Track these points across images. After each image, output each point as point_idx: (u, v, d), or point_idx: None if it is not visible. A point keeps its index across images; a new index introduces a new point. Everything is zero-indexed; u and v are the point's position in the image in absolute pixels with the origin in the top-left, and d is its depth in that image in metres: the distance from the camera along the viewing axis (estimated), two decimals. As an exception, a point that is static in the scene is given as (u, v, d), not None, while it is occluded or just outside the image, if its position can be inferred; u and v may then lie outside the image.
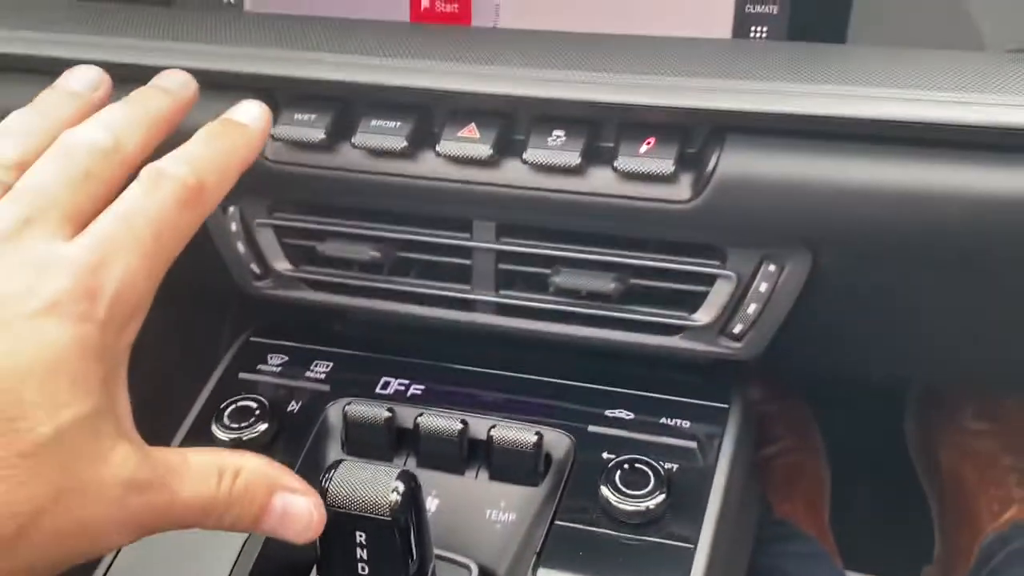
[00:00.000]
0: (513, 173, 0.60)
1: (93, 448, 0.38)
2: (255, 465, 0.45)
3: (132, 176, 0.45)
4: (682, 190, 0.57)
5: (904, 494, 1.37)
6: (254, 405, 0.66)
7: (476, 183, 0.61)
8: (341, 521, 0.51)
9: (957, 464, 1.29)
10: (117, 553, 0.60)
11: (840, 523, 1.32)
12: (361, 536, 0.51)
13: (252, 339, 0.74)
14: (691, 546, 0.57)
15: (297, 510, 0.47)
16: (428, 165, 0.61)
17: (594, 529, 0.59)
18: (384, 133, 0.60)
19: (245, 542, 0.59)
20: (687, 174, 0.57)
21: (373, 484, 0.50)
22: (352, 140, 0.61)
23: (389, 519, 0.50)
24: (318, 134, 0.61)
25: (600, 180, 0.58)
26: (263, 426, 0.65)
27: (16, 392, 0.36)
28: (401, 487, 0.50)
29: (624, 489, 0.59)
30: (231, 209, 0.69)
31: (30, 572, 0.38)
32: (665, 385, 0.68)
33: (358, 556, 0.52)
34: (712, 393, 0.68)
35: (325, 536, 0.52)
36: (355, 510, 0.50)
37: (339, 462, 0.52)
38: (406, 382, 0.70)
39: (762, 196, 0.56)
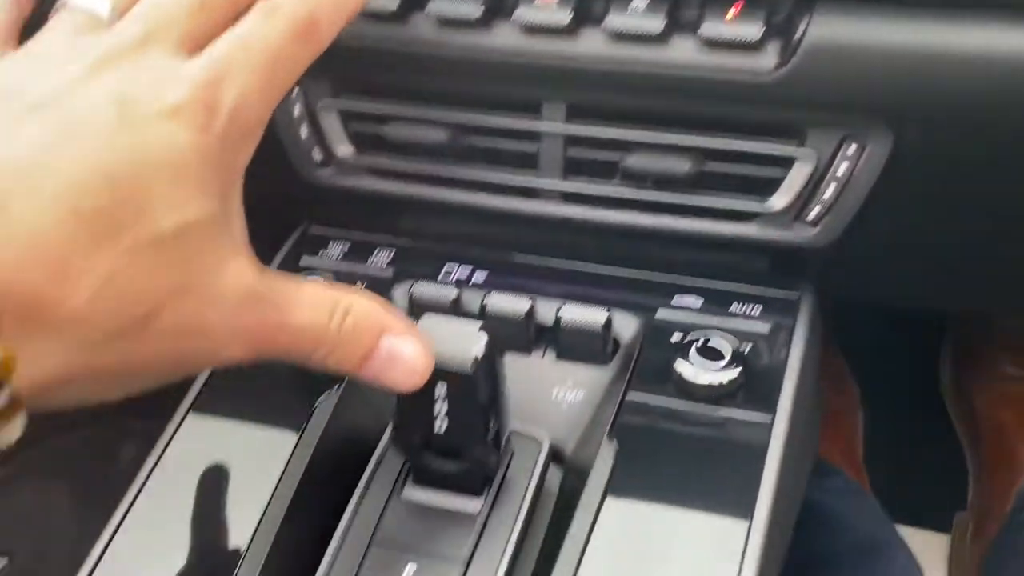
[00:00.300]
0: (591, 44, 0.59)
1: (213, 252, 0.39)
2: (365, 305, 0.45)
3: (246, 10, 0.45)
4: (768, 58, 0.56)
5: (937, 441, 1.37)
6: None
7: (551, 56, 0.60)
8: (421, 374, 0.50)
9: (995, 410, 1.28)
10: (183, 418, 0.60)
11: (873, 471, 1.31)
12: (441, 391, 0.50)
13: (311, 229, 0.74)
14: (768, 418, 0.57)
15: (404, 354, 0.46)
16: (502, 37, 0.60)
17: (667, 403, 0.58)
18: (459, 0, 0.59)
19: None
20: (774, 41, 0.56)
21: (457, 337, 0.50)
22: (425, 9, 0.60)
23: (471, 373, 0.49)
24: (391, 3, 0.60)
25: (682, 50, 0.57)
26: (329, 304, 0.64)
27: (144, 186, 0.36)
28: (485, 341, 0.50)
29: (699, 362, 0.58)
30: (294, 91, 0.68)
31: (157, 363, 0.38)
32: (734, 275, 0.67)
33: (436, 412, 0.51)
34: (782, 283, 0.67)
35: (403, 393, 0.51)
36: (437, 363, 0.49)
37: (421, 315, 0.51)
38: (469, 269, 0.69)
39: (851, 64, 0.55)
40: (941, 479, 1.35)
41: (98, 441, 1.44)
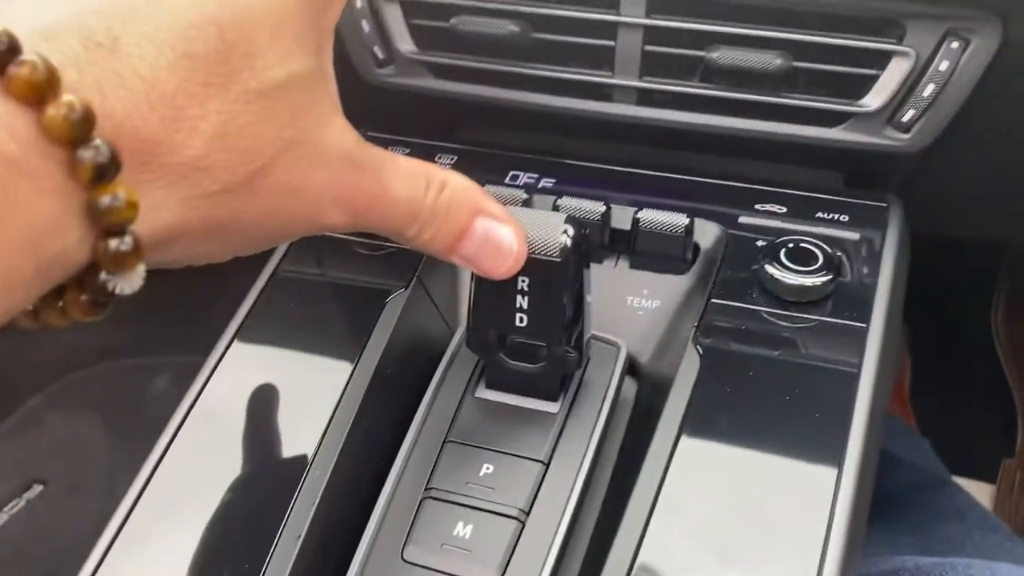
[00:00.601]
0: (681, -75, 0.55)
1: (317, 108, 0.36)
2: (461, 182, 0.42)
3: None
4: (874, -60, 0.52)
5: (986, 386, 1.34)
6: (382, 183, 0.62)
7: (637, -63, 0.56)
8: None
9: (1048, 355, 1.25)
10: (245, 319, 0.57)
11: (920, 414, 1.28)
12: (524, 283, 0.47)
13: (370, 133, 0.70)
14: (863, 325, 0.53)
15: (500, 237, 0.43)
16: (584, -82, 0.56)
17: (754, 310, 0.55)
18: None
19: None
20: (881, -79, 0.52)
21: (542, 226, 0.46)
22: None
23: (559, 260, 0.46)
24: None
25: (780, -70, 0.54)
26: (393, 204, 0.61)
27: (250, 35, 0.34)
28: (572, 230, 0.47)
29: (789, 265, 0.55)
30: (357, -17, 0.65)
31: (267, 222, 0.36)
32: (816, 186, 0.64)
33: (518, 306, 0.48)
34: (868, 194, 0.63)
35: (480, 285, 0.48)
36: None
37: (502, 204, 0.48)
38: (536, 176, 0.66)
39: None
40: (989, 425, 1.32)
41: (121, 375, 1.44)
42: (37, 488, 1.22)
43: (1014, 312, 1.30)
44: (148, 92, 0.31)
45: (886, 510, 0.87)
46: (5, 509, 1.17)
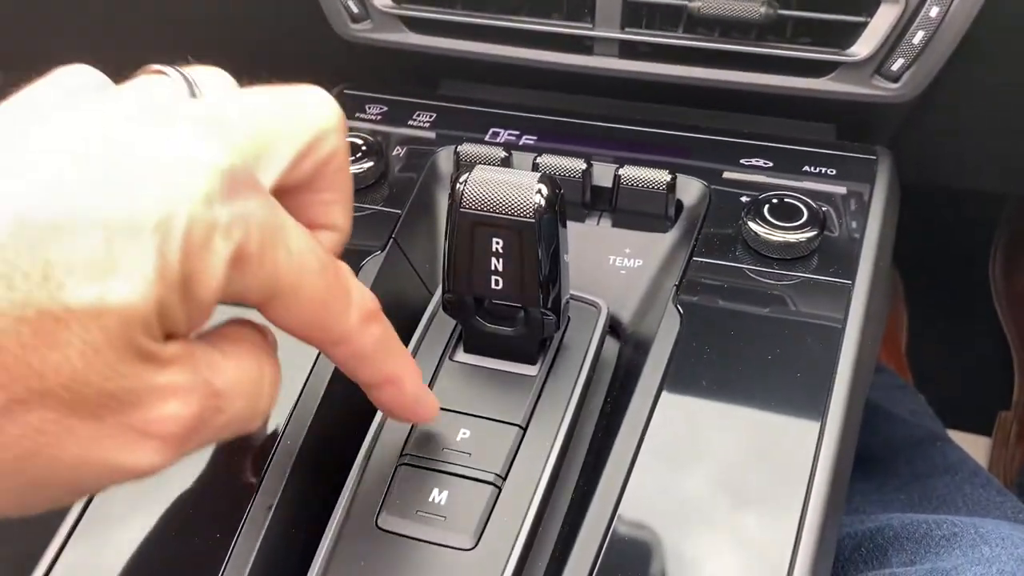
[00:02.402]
0: None
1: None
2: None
3: None
4: None
5: (983, 338, 1.33)
6: (360, 142, 0.61)
7: None
8: (478, 226, 0.45)
9: (1047, 307, 1.24)
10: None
11: (917, 368, 1.28)
12: (498, 244, 0.46)
13: (347, 91, 0.69)
14: (848, 282, 0.52)
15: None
16: None
17: (737, 267, 0.54)
18: None
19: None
20: None
21: (514, 186, 0.45)
22: None
23: (532, 221, 0.45)
24: None
25: None
26: (368, 164, 0.60)
27: None
28: (545, 190, 0.45)
29: (773, 221, 0.53)
30: (328, -65, 0.63)
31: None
32: (804, 139, 0.62)
33: (493, 268, 0.47)
34: (857, 147, 0.61)
35: (455, 248, 0.47)
36: (494, 211, 0.45)
37: (472, 166, 0.47)
38: (517, 133, 0.64)
39: None
40: (985, 378, 1.32)
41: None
42: None
43: (1012, 265, 1.29)
44: None
45: (879, 466, 0.86)
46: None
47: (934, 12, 0.55)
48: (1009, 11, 0.55)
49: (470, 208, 0.45)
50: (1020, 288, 1.27)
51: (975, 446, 1.31)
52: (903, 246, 1.31)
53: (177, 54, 0.94)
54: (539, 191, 0.45)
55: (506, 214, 0.45)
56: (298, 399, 0.49)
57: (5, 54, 0.94)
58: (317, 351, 0.51)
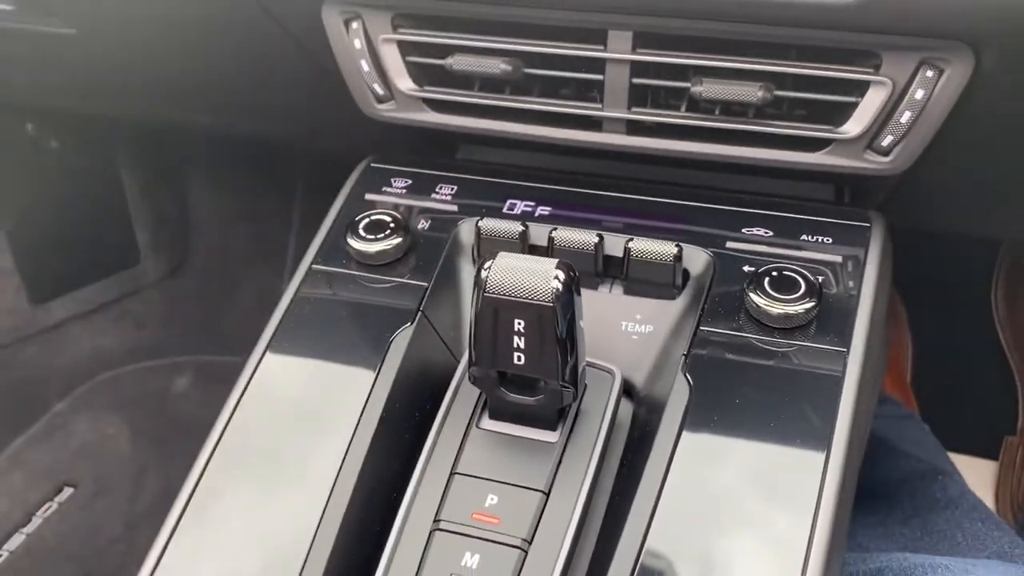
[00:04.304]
0: (662, -31, 0.57)
1: None
2: None
3: None
4: (847, -19, 0.54)
5: (987, 365, 1.36)
6: (388, 219, 0.65)
7: (621, -19, 0.58)
8: (501, 309, 0.50)
9: (1047, 335, 1.27)
10: (263, 355, 0.61)
11: (922, 394, 1.31)
12: (519, 325, 0.51)
13: (373, 164, 0.74)
14: (843, 350, 0.57)
15: None
16: (570, -37, 0.59)
17: (740, 336, 0.58)
18: (526, -73, 0.58)
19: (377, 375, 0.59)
20: (853, -37, 0.54)
21: (534, 272, 0.50)
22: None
23: (550, 305, 0.49)
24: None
25: (758, -27, 0.56)
26: (397, 239, 0.65)
27: None
28: (562, 275, 0.50)
29: (773, 294, 0.58)
30: (354, 25, 0.68)
31: None
32: (801, 206, 0.66)
33: (515, 346, 0.51)
34: (852, 213, 0.66)
35: (480, 327, 0.51)
36: (516, 296, 0.49)
37: (496, 253, 0.51)
38: (532, 204, 0.69)
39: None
40: (990, 404, 1.35)
41: (145, 377, 1.48)
42: (68, 491, 1.27)
43: (1013, 293, 1.32)
44: None
45: (883, 501, 0.90)
46: (38, 513, 1.22)
47: (919, 95, 0.59)
48: (988, 94, 0.59)
49: (494, 292, 0.50)
50: (1022, 316, 1.30)
51: (983, 470, 1.34)
52: (907, 276, 1.35)
53: (219, 117, 1.00)
54: (556, 277, 0.50)
55: (527, 298, 0.49)
56: (338, 473, 0.54)
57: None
58: (354, 425, 0.56)
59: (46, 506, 1.24)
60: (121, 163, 1.44)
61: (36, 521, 1.21)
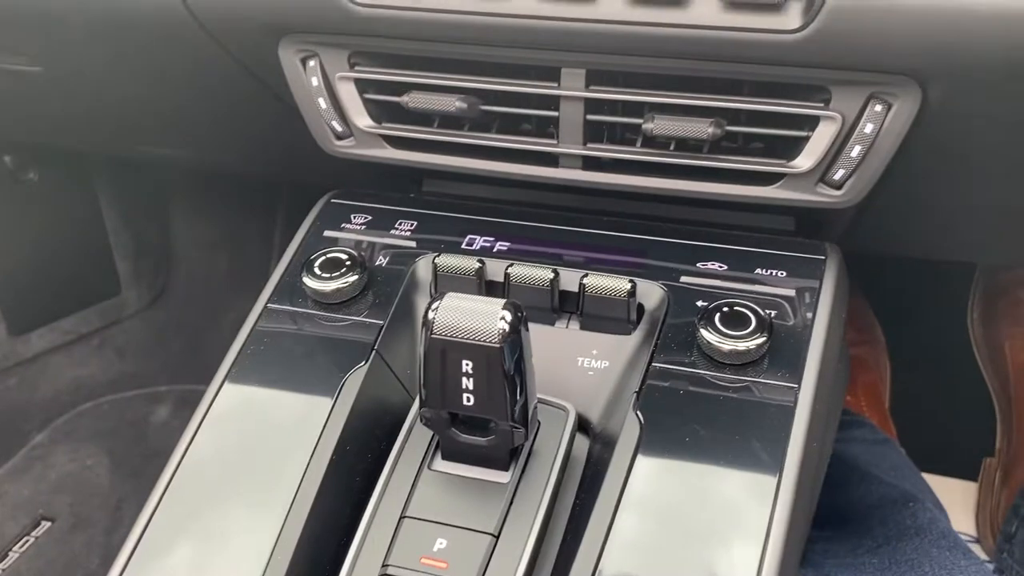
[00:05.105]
0: (610, 7, 0.58)
1: None
2: None
3: None
4: (791, 19, 0.55)
5: (964, 387, 1.36)
6: (344, 257, 0.66)
7: (570, 19, 0.59)
8: (448, 350, 0.50)
9: (1023, 356, 1.27)
10: (218, 391, 0.61)
11: (900, 416, 1.31)
12: (468, 366, 0.51)
13: (333, 200, 0.74)
14: (794, 386, 0.57)
15: None
16: (520, 2, 0.59)
17: (693, 370, 0.58)
18: (474, -33, 0.58)
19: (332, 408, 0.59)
20: (796, 1, 0.55)
21: (480, 313, 0.50)
22: (441, -24, 0.59)
23: (497, 347, 0.49)
24: (405, -27, 0.59)
25: (702, 10, 0.56)
26: (354, 277, 0.65)
27: None
28: (509, 316, 0.50)
29: (724, 330, 0.58)
30: (311, 63, 0.68)
31: None
32: (757, 239, 0.67)
33: (464, 387, 0.51)
34: (807, 246, 0.66)
35: (429, 369, 0.51)
36: (462, 338, 0.50)
37: (443, 294, 0.51)
38: (491, 239, 0.69)
39: (876, 22, 0.53)
40: (967, 426, 1.35)
41: (125, 407, 1.48)
42: (45, 525, 1.26)
43: (989, 314, 1.32)
44: None
45: (853, 527, 0.90)
46: (15, 548, 1.22)
47: (868, 128, 0.60)
48: (936, 127, 0.59)
49: (441, 333, 0.50)
50: (998, 337, 1.31)
51: (963, 491, 1.34)
52: (885, 300, 1.35)
53: (188, 153, 1.00)
54: (503, 317, 0.50)
55: (474, 339, 0.49)
56: (287, 514, 0.54)
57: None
58: (304, 467, 0.55)
59: (23, 540, 1.24)
60: (101, 193, 1.44)
61: (12, 556, 1.21)
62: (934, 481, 1.03)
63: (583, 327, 0.64)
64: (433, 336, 0.50)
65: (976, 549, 1.29)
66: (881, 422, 1.25)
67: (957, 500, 1.31)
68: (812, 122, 0.61)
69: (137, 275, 1.54)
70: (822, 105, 0.60)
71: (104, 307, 1.49)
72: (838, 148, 0.61)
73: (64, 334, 1.43)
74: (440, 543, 0.52)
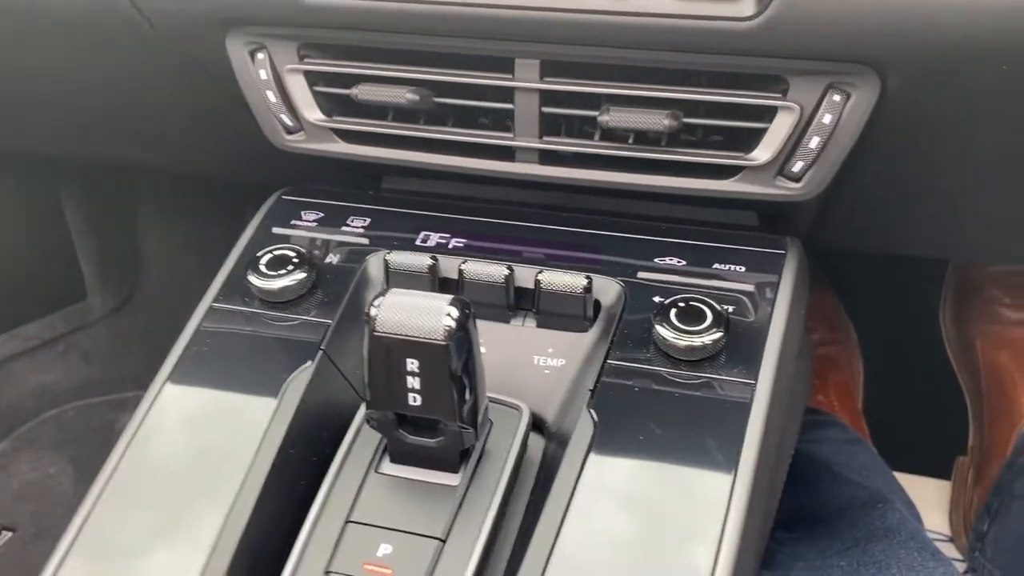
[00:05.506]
0: (562, -5, 0.56)
1: None
2: None
3: None
4: (745, 6, 0.54)
5: (937, 386, 1.36)
6: (292, 254, 0.64)
7: (522, 7, 0.57)
8: (391, 348, 0.48)
9: (994, 354, 1.27)
10: (160, 391, 0.59)
11: (873, 415, 1.30)
12: (413, 364, 0.49)
13: (284, 196, 0.72)
14: (751, 382, 0.55)
15: None
16: (469, -9, 0.58)
17: (648, 367, 0.57)
18: (423, -45, 0.56)
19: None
20: (751, -13, 0.53)
21: (425, 309, 0.48)
22: (389, -35, 0.57)
23: (443, 343, 0.47)
24: (352, -39, 0.57)
25: (656, -1, 0.55)
26: (301, 274, 0.63)
27: None
28: (455, 312, 0.48)
29: (680, 325, 0.56)
30: (260, 55, 0.66)
31: None
32: (717, 234, 0.65)
33: (409, 386, 0.50)
34: (767, 240, 0.65)
35: (373, 368, 0.50)
36: (406, 335, 0.48)
37: (386, 290, 0.49)
38: (446, 236, 0.67)
39: (831, 8, 0.52)
40: (940, 424, 1.34)
41: (91, 413, 1.45)
42: (6, 535, 1.23)
43: (960, 313, 1.32)
44: None
45: (823, 529, 0.89)
46: (-26, 560, 1.19)
47: (827, 119, 0.58)
48: (895, 117, 0.58)
49: (383, 331, 0.48)
50: (970, 335, 1.30)
51: (937, 490, 1.33)
52: (858, 298, 1.34)
53: (137, 150, 0.98)
54: (449, 313, 0.48)
55: (418, 337, 0.48)
56: (228, 514, 0.52)
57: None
58: (246, 470, 0.53)
59: (-18, 552, 1.21)
60: (64, 196, 1.42)
61: (-29, 569, 1.18)
62: (907, 480, 1.02)
63: (539, 325, 0.62)
64: (376, 334, 0.48)
65: (950, 548, 1.28)
66: (853, 421, 1.24)
67: (931, 499, 1.31)
68: (770, 113, 0.60)
69: (103, 279, 1.50)
70: (780, 96, 0.59)
71: (69, 312, 1.46)
72: (796, 140, 0.60)
73: (27, 340, 1.40)
74: (385, 548, 0.50)
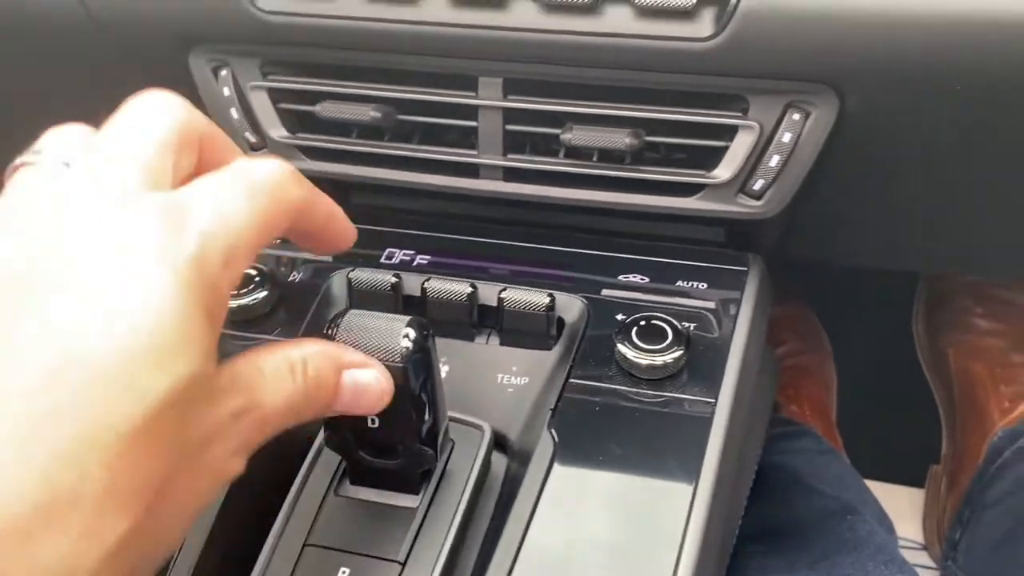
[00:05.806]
0: (523, 15, 0.56)
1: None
2: (317, 350, 0.44)
3: None
4: (703, 26, 0.54)
5: (910, 395, 1.37)
6: (253, 272, 0.63)
7: (483, 27, 0.57)
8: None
9: (967, 363, 1.28)
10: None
11: (846, 425, 1.31)
12: (370, 387, 0.49)
13: (249, 214, 0.71)
14: (711, 400, 0.55)
15: (366, 382, 0.46)
16: (432, 9, 0.58)
17: (610, 386, 0.57)
18: (385, -27, 0.56)
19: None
20: (709, 8, 0.54)
21: (383, 331, 0.48)
22: (351, -17, 0.57)
23: (401, 366, 0.47)
24: (315, -22, 0.57)
25: (616, 18, 0.55)
26: (263, 293, 0.62)
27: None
28: (413, 333, 0.48)
29: (641, 344, 0.56)
30: (223, 73, 0.66)
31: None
32: (680, 251, 0.65)
33: (367, 409, 0.49)
34: (730, 256, 0.65)
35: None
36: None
37: (345, 311, 0.49)
38: (411, 253, 0.67)
39: (789, 29, 0.53)
40: (914, 433, 1.35)
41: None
42: None
43: (933, 322, 1.33)
44: None
45: (792, 541, 0.89)
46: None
47: (787, 137, 0.59)
48: (854, 136, 0.59)
49: None
50: (942, 344, 1.31)
51: (910, 498, 1.34)
52: (831, 309, 1.35)
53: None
54: (407, 335, 0.48)
55: (376, 358, 0.47)
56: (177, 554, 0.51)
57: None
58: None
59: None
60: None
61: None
62: (881, 489, 1.02)
63: (503, 343, 0.62)
64: None
65: (924, 556, 1.29)
66: (826, 431, 1.25)
67: (904, 508, 1.31)
68: (731, 132, 0.60)
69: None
70: (740, 115, 0.59)
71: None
72: (757, 158, 0.60)
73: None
74: (343, 572, 0.49)
